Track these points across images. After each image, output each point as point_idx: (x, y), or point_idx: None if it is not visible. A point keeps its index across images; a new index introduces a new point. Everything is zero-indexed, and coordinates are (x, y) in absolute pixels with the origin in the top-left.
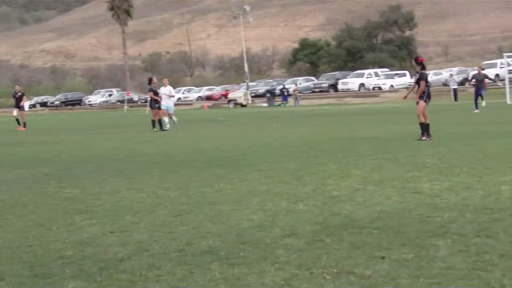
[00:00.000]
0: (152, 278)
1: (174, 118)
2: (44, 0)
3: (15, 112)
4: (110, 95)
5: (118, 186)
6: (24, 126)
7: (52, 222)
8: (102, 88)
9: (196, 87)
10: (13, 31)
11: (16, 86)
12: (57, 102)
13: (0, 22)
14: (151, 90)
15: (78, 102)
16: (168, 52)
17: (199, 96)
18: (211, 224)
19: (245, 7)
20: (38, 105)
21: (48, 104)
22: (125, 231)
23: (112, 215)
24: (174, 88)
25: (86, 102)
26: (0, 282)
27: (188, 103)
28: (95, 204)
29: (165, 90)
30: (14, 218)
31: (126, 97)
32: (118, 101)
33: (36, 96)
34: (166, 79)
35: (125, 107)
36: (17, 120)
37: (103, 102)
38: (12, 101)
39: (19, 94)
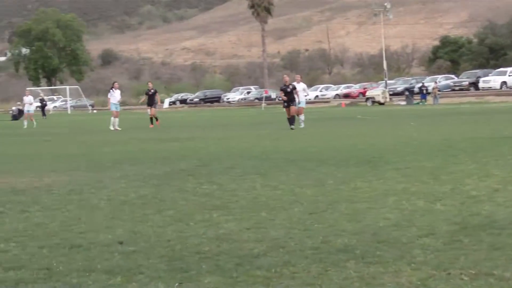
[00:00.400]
0: (287, 275)
1: (302, 116)
2: None
3: (149, 110)
4: (248, 92)
5: (254, 183)
6: (156, 120)
7: (190, 217)
8: (241, 86)
9: (334, 84)
10: (155, 30)
11: (149, 83)
12: (196, 99)
13: (143, 20)
14: (281, 89)
15: (216, 100)
16: (307, 50)
17: (337, 94)
18: (347, 222)
19: (385, 4)
20: (178, 102)
21: (188, 101)
22: (261, 227)
23: (248, 212)
24: (312, 86)
25: (225, 99)
26: (139, 276)
27: (326, 101)
28: (232, 201)
29: (298, 87)
30: (152, 213)
31: (264, 95)
32: (256, 98)
33: (176, 93)
34: (299, 76)
35: (263, 105)
36: (151, 119)
37: (241, 99)
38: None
39: (152, 91)
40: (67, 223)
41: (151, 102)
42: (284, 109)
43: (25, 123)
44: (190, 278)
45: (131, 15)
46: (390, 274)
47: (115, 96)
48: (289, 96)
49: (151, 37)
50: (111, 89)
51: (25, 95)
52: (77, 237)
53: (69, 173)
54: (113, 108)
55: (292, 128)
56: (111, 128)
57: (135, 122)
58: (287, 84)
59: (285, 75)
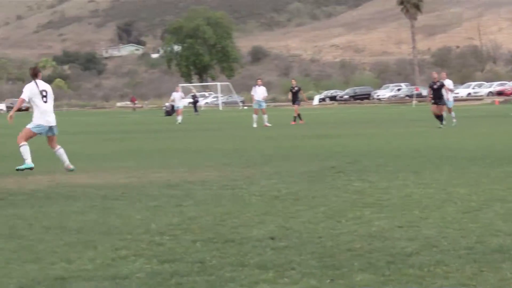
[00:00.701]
0: (441, 274)
1: (453, 114)
2: None
3: (295, 106)
4: (398, 89)
5: (406, 180)
6: (300, 119)
7: (341, 214)
8: (391, 83)
9: (487, 82)
10: (304, 27)
11: (293, 80)
12: (346, 96)
13: (292, 17)
14: (429, 86)
15: (366, 97)
16: (458, 47)
17: (490, 91)
18: (502, 222)
19: None
20: (327, 99)
21: (337, 98)
22: (413, 226)
23: (400, 210)
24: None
25: (375, 96)
26: (291, 271)
27: (479, 98)
28: (384, 198)
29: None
30: (303, 210)
31: (415, 92)
32: (407, 95)
33: (326, 90)
34: (444, 73)
35: (414, 102)
36: (297, 116)
37: (392, 96)
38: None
39: (296, 88)
40: (220, 218)
41: (295, 99)
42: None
43: (179, 118)
44: (341, 275)
45: (279, 12)
46: None
47: (258, 93)
48: (437, 93)
49: (300, 34)
50: (255, 85)
51: (175, 91)
52: (230, 232)
53: (222, 168)
54: (255, 106)
55: (440, 127)
56: (254, 125)
57: (285, 119)
58: (435, 81)
59: (433, 72)
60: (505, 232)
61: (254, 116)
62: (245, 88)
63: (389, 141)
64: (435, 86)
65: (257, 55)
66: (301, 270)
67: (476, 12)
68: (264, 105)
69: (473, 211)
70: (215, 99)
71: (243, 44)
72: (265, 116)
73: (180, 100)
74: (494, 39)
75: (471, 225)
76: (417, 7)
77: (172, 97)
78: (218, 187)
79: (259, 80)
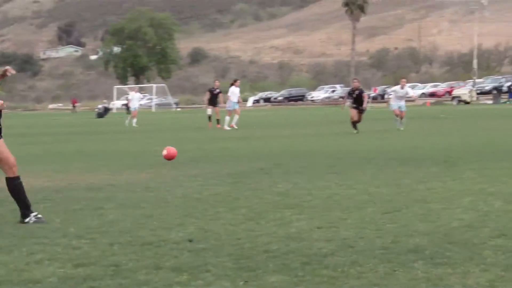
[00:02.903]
0: (354, 274)
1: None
2: None
3: (209, 109)
4: (333, 91)
5: (329, 182)
6: (218, 123)
7: (262, 216)
8: (326, 84)
9: (422, 83)
10: (246, 28)
11: (216, 81)
12: (280, 98)
13: (235, 19)
14: (348, 93)
15: (301, 98)
16: (396, 48)
17: (423, 93)
18: (420, 222)
19: (482, 1)
20: (261, 101)
21: (272, 99)
22: (332, 226)
23: (321, 211)
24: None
25: (309, 98)
26: (205, 274)
27: (411, 100)
28: (306, 200)
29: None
30: (224, 212)
31: None
32: (341, 97)
33: (261, 91)
34: (404, 79)
35: (347, 103)
36: (210, 118)
37: (326, 98)
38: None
39: (217, 90)
40: (140, 221)
41: (213, 101)
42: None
43: (134, 121)
44: (255, 277)
45: (223, 13)
46: (458, 275)
47: (235, 93)
48: (357, 101)
49: (241, 36)
50: (232, 86)
51: (133, 91)
52: (149, 235)
53: (146, 171)
54: (234, 107)
55: (355, 133)
56: (226, 127)
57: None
58: (355, 89)
59: (355, 81)
60: (421, 232)
61: (227, 118)
62: (181, 90)
63: (316, 142)
64: (354, 95)
65: (196, 57)
66: (216, 272)
67: (419, 14)
68: (237, 106)
69: (393, 211)
70: (149, 101)
71: (184, 45)
72: (237, 117)
73: (138, 101)
74: (433, 41)
75: (389, 225)
76: (362, 9)
77: (129, 97)
78: (141, 189)
79: (237, 82)
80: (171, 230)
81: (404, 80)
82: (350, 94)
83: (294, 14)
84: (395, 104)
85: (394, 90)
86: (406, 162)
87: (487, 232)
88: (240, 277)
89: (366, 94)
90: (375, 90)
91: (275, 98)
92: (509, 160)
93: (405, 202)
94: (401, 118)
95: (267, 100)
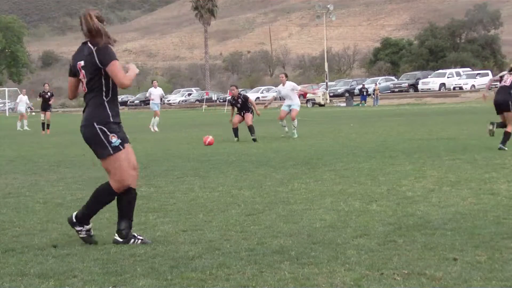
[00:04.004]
0: (222, 276)
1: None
2: (129, 0)
3: (42, 115)
4: (189, 94)
5: (192, 185)
6: (48, 128)
7: None
8: (182, 87)
9: (276, 86)
10: None
11: (46, 84)
12: (136, 101)
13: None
14: (231, 104)
15: None
16: (249, 52)
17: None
18: (283, 223)
19: (328, 6)
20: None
21: (128, 103)
22: (197, 229)
23: (185, 214)
24: (253, 87)
25: (165, 101)
26: (72, 279)
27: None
28: (169, 203)
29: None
30: None
31: (205, 97)
32: (197, 100)
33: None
34: (284, 76)
35: (204, 106)
36: (43, 124)
37: (182, 101)
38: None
39: (49, 94)
40: (1, 227)
41: (46, 106)
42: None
43: (25, 122)
44: (124, 281)
45: (73, 17)
46: (324, 275)
47: (157, 94)
48: (242, 108)
49: None
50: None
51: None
52: (11, 241)
53: (5, 176)
54: (155, 108)
55: (235, 140)
56: (152, 129)
57: (72, 125)
58: (236, 98)
59: (233, 88)
60: (285, 233)
61: (153, 119)
62: (34, 94)
63: (177, 146)
64: (238, 105)
65: (48, 60)
66: (83, 278)
67: (268, 17)
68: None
69: (256, 213)
70: (1, 105)
71: (34, 48)
72: (157, 119)
73: (24, 104)
74: (284, 44)
75: (253, 227)
76: (212, 13)
77: (18, 100)
78: (1, 195)
79: (155, 82)
80: (34, 236)
81: (282, 75)
82: (233, 104)
83: (144, 17)
84: (284, 106)
85: (277, 90)
86: (267, 164)
87: (349, 232)
88: (108, 281)
89: (251, 98)
90: (207, 94)
91: (131, 102)
92: (367, 161)
93: (268, 203)
94: (293, 119)
95: (123, 103)
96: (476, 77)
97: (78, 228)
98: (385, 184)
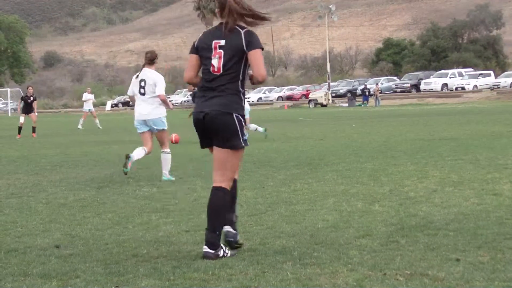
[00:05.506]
0: (225, 277)
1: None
2: (131, 0)
3: (22, 118)
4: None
5: (195, 185)
6: (34, 132)
7: (129, 220)
8: (184, 88)
9: (278, 86)
10: (99, 32)
11: (29, 88)
12: None
13: (88, 22)
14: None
15: None
16: None
17: (280, 96)
18: (286, 224)
19: (330, 6)
20: (120, 105)
21: (130, 103)
22: (199, 230)
23: (187, 214)
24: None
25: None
26: (75, 280)
27: (269, 103)
28: (172, 203)
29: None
30: (90, 217)
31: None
32: None
33: (119, 95)
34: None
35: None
36: (20, 128)
37: (185, 101)
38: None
39: (32, 98)
40: (3, 227)
41: (28, 109)
42: None
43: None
44: (126, 281)
45: (75, 17)
46: (327, 275)
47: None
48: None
49: (95, 39)
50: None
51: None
52: (14, 241)
53: (8, 176)
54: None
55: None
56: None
57: (74, 125)
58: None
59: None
60: (287, 233)
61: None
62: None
63: (179, 146)
64: (29, 101)
65: (50, 61)
66: (85, 278)
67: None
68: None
69: (259, 213)
70: (4, 105)
71: (36, 49)
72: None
73: (91, 102)
74: (287, 44)
75: (256, 227)
76: (214, 13)
77: (84, 98)
78: (3, 195)
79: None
80: (36, 236)
81: None
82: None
83: (146, 18)
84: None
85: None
86: (269, 165)
87: (351, 233)
88: (111, 282)
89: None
90: None
91: None
92: (369, 161)
93: (270, 204)
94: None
95: (125, 104)
96: (478, 77)
97: (223, 253)
98: (388, 184)
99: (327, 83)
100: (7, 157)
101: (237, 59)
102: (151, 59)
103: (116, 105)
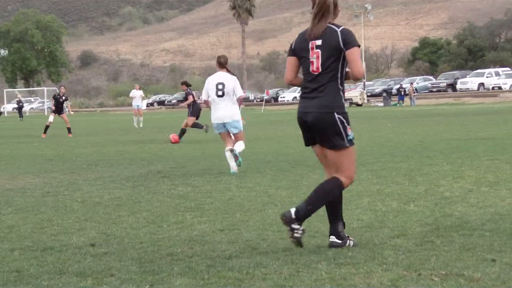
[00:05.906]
0: (259, 276)
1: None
2: (167, 0)
3: (51, 117)
4: None
5: (229, 184)
6: (70, 132)
7: (163, 219)
8: None
9: None
10: (135, 31)
11: (62, 87)
12: (174, 101)
13: (123, 22)
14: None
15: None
16: (286, 51)
17: None
18: (321, 223)
19: (366, 5)
20: (156, 104)
21: (166, 102)
22: (234, 229)
23: (222, 213)
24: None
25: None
26: (110, 278)
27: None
28: (206, 202)
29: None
30: (125, 215)
31: (266, 97)
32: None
33: (154, 94)
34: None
35: (241, 106)
36: (47, 127)
37: None
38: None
39: (64, 97)
40: (40, 225)
41: (59, 109)
42: None
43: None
44: (161, 280)
45: (111, 17)
46: (361, 275)
47: (138, 95)
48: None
49: (131, 39)
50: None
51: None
52: (50, 239)
53: (44, 175)
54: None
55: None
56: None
57: (111, 124)
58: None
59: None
60: (322, 233)
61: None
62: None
63: (214, 145)
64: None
65: (86, 60)
66: (120, 276)
67: (306, 17)
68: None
69: None
70: (40, 104)
71: (73, 48)
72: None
73: (140, 99)
74: None
75: None
76: (249, 12)
77: (131, 95)
78: (40, 194)
79: (136, 85)
80: (72, 234)
81: None
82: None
83: (182, 17)
84: None
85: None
86: (304, 164)
87: (386, 232)
88: (145, 280)
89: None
90: (267, 93)
91: (169, 101)
92: (404, 161)
93: None
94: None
95: (161, 103)
96: None
97: (296, 226)
98: (423, 184)
99: (363, 83)
100: (43, 156)
101: (335, 58)
102: (224, 63)
103: (152, 104)
